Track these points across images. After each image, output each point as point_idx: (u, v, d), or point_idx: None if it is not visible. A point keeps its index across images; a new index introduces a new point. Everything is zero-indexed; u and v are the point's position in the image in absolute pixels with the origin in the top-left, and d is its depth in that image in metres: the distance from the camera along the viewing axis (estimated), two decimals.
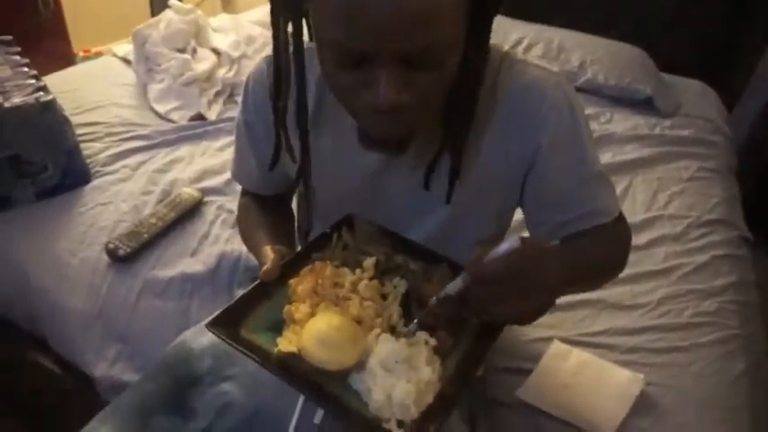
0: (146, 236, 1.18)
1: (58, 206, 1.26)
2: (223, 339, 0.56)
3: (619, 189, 1.52)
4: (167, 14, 1.79)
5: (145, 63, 1.69)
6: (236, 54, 1.78)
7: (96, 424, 0.77)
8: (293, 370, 0.54)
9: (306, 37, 0.64)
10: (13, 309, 1.17)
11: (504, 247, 0.52)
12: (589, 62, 1.93)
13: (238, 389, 0.80)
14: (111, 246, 1.15)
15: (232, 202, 1.32)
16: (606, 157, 1.62)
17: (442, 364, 0.56)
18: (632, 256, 1.29)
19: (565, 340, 1.06)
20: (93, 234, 1.20)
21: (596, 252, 0.75)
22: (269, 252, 0.66)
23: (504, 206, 0.82)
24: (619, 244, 0.80)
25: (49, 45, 2.19)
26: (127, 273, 1.14)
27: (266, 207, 0.87)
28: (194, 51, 1.75)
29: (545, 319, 1.08)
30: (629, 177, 1.57)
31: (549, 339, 1.05)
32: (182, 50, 1.72)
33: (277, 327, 0.58)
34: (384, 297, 0.63)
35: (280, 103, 0.70)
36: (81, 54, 2.61)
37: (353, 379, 0.55)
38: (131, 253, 1.15)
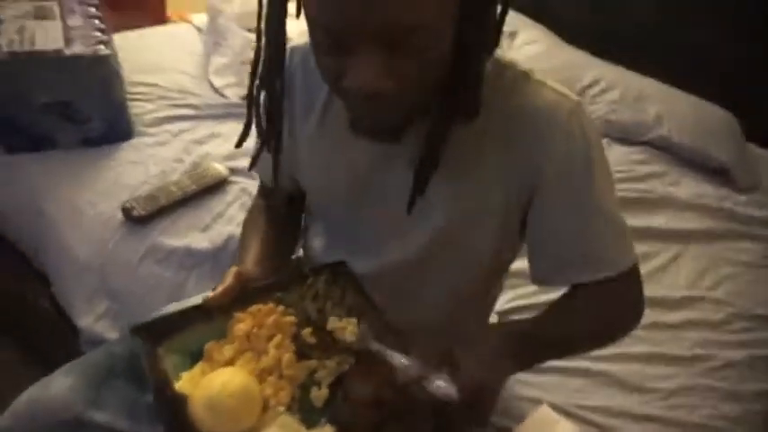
0: (162, 202, 1.19)
1: (91, 156, 1.30)
2: (137, 348, 0.55)
3: (664, 258, 1.39)
4: None
5: (213, 35, 1.73)
6: (301, 42, 1.78)
7: (59, 374, 0.78)
8: (178, 413, 0.52)
9: None
10: (22, 238, 1.22)
11: (441, 390, 0.51)
12: (666, 117, 1.78)
13: None
14: (127, 205, 1.17)
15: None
16: (659, 221, 1.49)
17: None
18: (657, 336, 1.19)
19: (554, 407, 0.97)
20: (115, 190, 1.23)
21: (585, 325, 0.68)
22: (229, 277, 0.64)
23: (503, 236, 0.73)
24: (622, 307, 0.71)
25: (144, 5, 2.29)
26: (136, 234, 1.16)
27: (275, 218, 0.86)
28: None
29: (538, 378, 1.02)
30: (678, 247, 1.44)
31: (536, 401, 0.97)
32: (251, 30, 1.74)
33: (200, 355, 0.57)
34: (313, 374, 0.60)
35: (254, 81, 0.69)
36: (174, 18, 2.72)
37: None
38: (145, 216, 1.17)
